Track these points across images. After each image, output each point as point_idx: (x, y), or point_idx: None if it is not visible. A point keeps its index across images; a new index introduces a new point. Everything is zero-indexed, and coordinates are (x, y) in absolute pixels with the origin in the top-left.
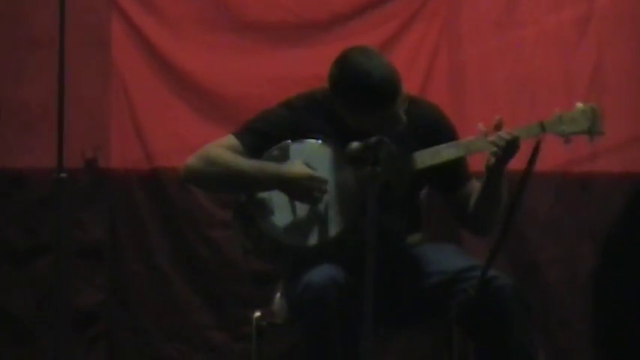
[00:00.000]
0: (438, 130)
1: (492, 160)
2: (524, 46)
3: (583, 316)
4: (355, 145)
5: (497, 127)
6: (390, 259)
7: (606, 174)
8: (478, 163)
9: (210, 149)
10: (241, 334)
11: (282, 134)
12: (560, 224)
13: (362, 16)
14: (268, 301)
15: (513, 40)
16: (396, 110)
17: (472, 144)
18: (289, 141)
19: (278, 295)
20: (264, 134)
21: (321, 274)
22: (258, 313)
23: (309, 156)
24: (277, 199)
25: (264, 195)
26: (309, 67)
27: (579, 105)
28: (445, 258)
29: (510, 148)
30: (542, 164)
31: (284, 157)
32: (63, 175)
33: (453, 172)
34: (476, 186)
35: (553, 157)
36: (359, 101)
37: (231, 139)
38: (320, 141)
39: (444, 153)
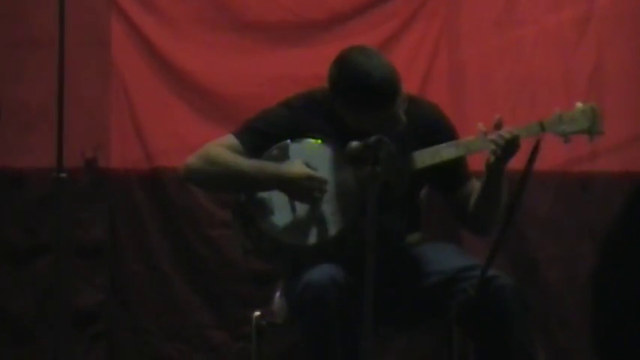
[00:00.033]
0: (438, 130)
1: (492, 159)
2: (524, 46)
3: (583, 316)
4: (355, 144)
5: (497, 126)
6: (390, 258)
7: (606, 173)
8: (478, 162)
9: (210, 149)
10: (241, 333)
11: (281, 134)
12: (560, 224)
13: (362, 16)
14: (268, 300)
15: (513, 40)
16: (395, 110)
17: (472, 143)
18: (289, 141)
19: (278, 294)
20: (264, 134)
21: (321, 273)
22: (258, 313)
23: (309, 156)
24: (277, 198)
25: (264, 195)
26: (308, 67)
27: (579, 105)
28: (445, 257)
29: (511, 147)
30: (542, 164)
31: (284, 156)
32: (63, 174)
33: (453, 172)
34: (476, 186)
35: (553, 156)
36: (358, 101)
37: (230, 139)
38: (320, 141)
39: (443, 153)
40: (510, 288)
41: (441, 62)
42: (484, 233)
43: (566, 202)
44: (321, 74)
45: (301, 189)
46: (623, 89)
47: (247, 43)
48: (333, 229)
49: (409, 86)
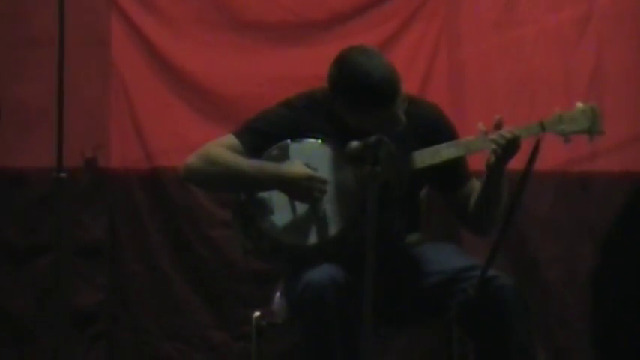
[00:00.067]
0: (438, 130)
1: (493, 159)
2: (524, 46)
3: (582, 315)
4: (355, 144)
5: (498, 126)
6: (390, 258)
7: (606, 173)
8: (478, 162)
9: (210, 149)
10: (241, 333)
11: (281, 134)
12: (560, 224)
13: (362, 16)
14: (268, 300)
15: (513, 40)
16: (395, 110)
17: (472, 143)
18: (289, 141)
19: (278, 294)
20: (264, 134)
21: (321, 273)
22: (257, 313)
23: (309, 156)
24: (277, 198)
25: (264, 195)
26: (309, 67)
27: (579, 104)
28: (445, 257)
29: (511, 147)
30: (542, 164)
31: (284, 156)
32: (63, 174)
33: (453, 172)
34: (476, 186)
35: (553, 156)
36: (358, 101)
37: (231, 139)
38: (320, 141)
39: (443, 153)
40: (510, 288)
41: (441, 62)
42: (484, 233)
43: (566, 202)
44: (321, 74)
45: (301, 189)
46: (623, 89)
47: (247, 43)
48: (333, 229)
49: (409, 86)
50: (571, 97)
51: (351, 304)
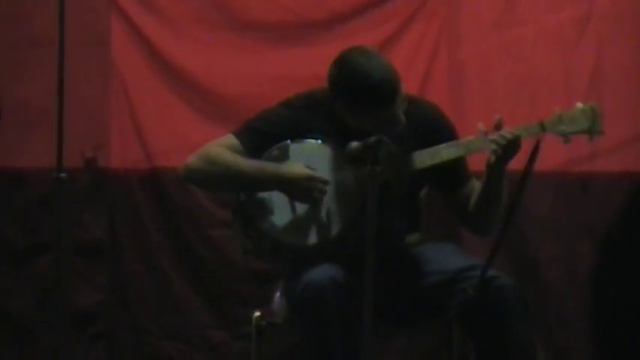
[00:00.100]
0: (438, 130)
1: (493, 158)
2: (524, 46)
3: (582, 315)
4: (355, 144)
5: (498, 126)
6: (390, 258)
7: (606, 173)
8: (478, 162)
9: (210, 148)
10: (241, 333)
11: (281, 134)
12: (560, 223)
13: (362, 16)
14: (268, 300)
15: (513, 40)
16: (395, 111)
17: (472, 144)
18: (289, 141)
19: (278, 294)
20: (264, 134)
21: (321, 273)
22: (257, 313)
23: (309, 156)
24: (277, 198)
25: (264, 195)
26: (309, 67)
27: (579, 104)
28: (445, 257)
29: (512, 147)
30: (542, 164)
31: (284, 156)
32: (63, 174)
33: (453, 172)
34: (476, 186)
35: (553, 156)
36: (358, 101)
37: (231, 139)
38: (320, 141)
39: (443, 153)
40: (510, 288)
41: (441, 62)
42: (484, 233)
43: (566, 202)
44: (321, 74)
45: (301, 189)
46: (623, 89)
47: (247, 43)
48: (333, 230)
49: (409, 86)
50: (571, 97)
51: (351, 304)
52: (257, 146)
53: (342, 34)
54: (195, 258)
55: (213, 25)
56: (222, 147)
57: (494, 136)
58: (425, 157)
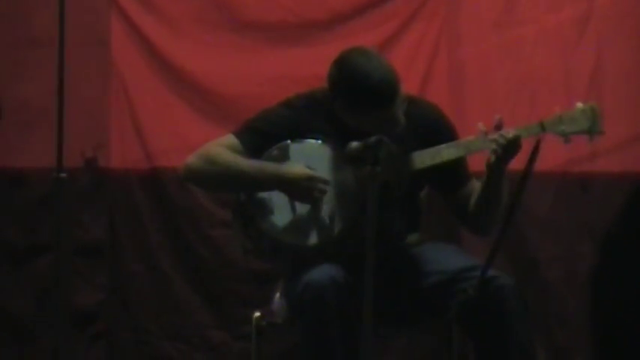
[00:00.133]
0: (438, 130)
1: (493, 159)
2: (524, 46)
3: (582, 315)
4: (355, 144)
5: (498, 126)
6: (390, 258)
7: (606, 174)
8: (478, 162)
9: (210, 148)
10: (241, 333)
11: (282, 134)
12: (560, 223)
13: (362, 16)
14: (268, 300)
15: (513, 40)
16: (395, 111)
17: (472, 144)
18: (289, 141)
19: (278, 294)
20: (264, 134)
21: (321, 273)
22: (257, 313)
23: (309, 156)
24: (277, 198)
25: (264, 195)
26: (309, 67)
27: (579, 104)
28: (445, 257)
29: (512, 147)
30: (542, 164)
31: (284, 157)
32: (63, 174)
33: (453, 172)
34: (476, 186)
35: (553, 156)
36: (358, 102)
37: (231, 139)
38: (320, 141)
39: (443, 153)
40: (510, 288)
41: (441, 62)
42: (484, 233)
43: (566, 202)
44: (321, 74)
45: (301, 189)
46: (623, 89)
47: (247, 42)
48: (333, 230)
49: (409, 86)
50: (571, 97)
51: (351, 304)
52: (257, 146)
53: (342, 34)
54: (195, 258)
55: (213, 25)
56: (222, 147)
57: (494, 136)
58: (425, 158)
